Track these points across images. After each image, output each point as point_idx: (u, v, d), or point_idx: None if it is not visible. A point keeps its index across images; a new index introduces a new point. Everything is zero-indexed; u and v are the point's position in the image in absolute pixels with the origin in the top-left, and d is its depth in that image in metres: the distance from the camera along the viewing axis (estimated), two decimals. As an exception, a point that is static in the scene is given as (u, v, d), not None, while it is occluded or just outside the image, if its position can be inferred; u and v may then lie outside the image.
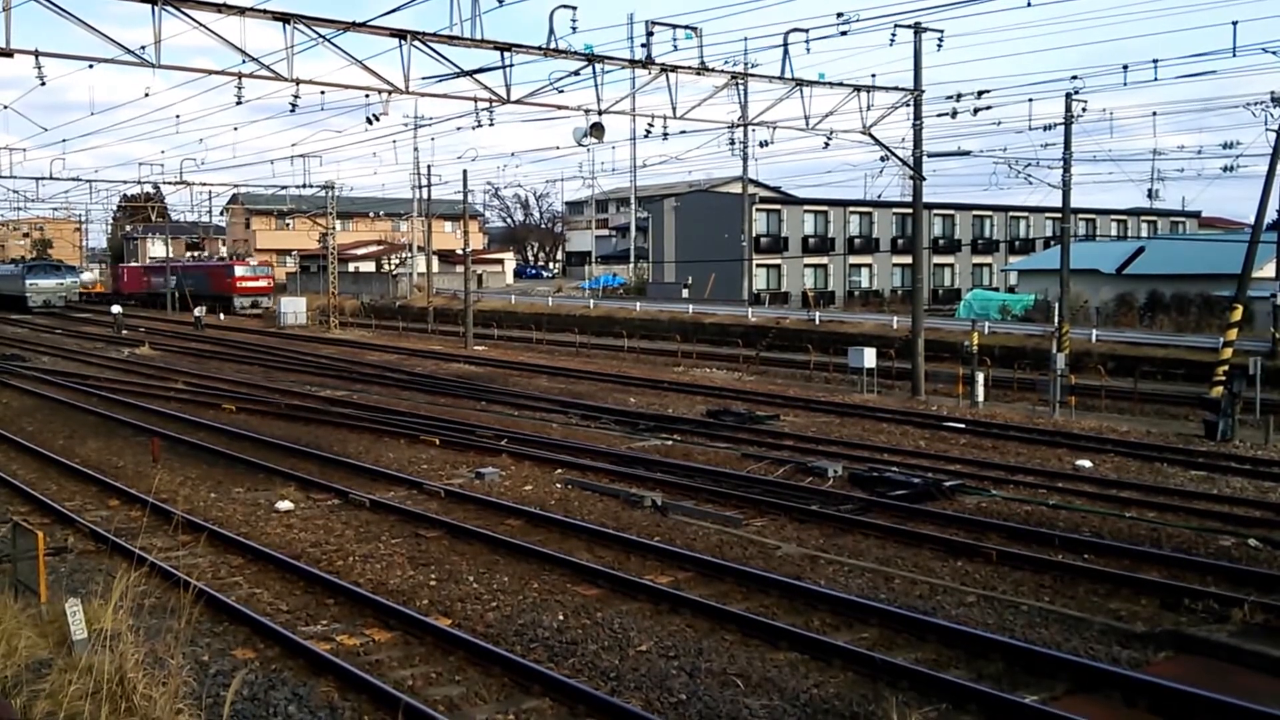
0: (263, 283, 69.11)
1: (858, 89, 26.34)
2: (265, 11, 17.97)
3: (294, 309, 58.08)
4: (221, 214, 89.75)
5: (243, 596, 11.46)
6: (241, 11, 17.52)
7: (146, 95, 42.69)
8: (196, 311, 55.14)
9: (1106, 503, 15.91)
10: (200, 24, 17.65)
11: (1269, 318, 35.44)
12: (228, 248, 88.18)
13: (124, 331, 50.39)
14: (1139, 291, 46.84)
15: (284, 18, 18.21)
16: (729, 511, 15.19)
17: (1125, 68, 30.25)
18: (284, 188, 54.59)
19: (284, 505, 15.58)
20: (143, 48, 18.07)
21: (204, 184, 55.61)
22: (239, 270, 69.19)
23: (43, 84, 18.34)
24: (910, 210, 30.48)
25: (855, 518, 14.77)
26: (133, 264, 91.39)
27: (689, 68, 22.91)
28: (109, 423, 23.53)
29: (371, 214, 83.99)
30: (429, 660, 9.72)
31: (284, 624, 10.49)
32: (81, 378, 31.84)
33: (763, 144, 28.70)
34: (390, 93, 20.12)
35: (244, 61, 18.46)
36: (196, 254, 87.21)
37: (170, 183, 52.34)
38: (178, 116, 54.12)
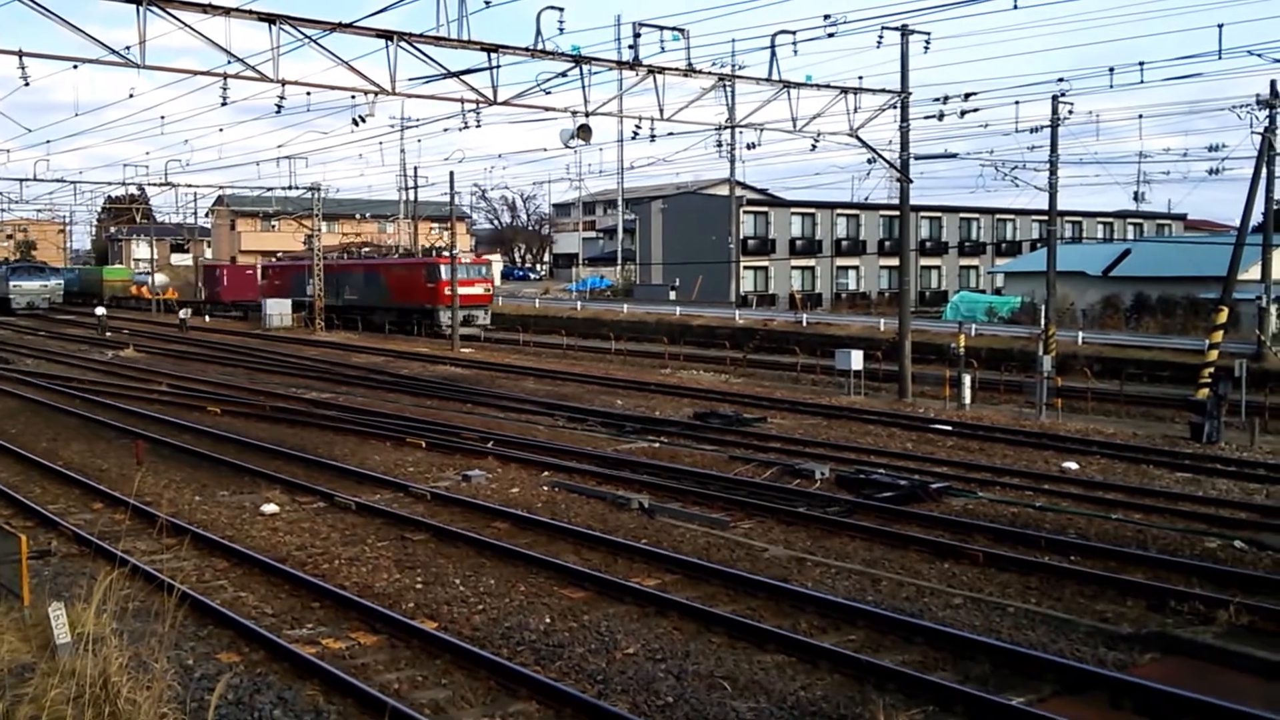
0: (479, 288, 48.99)
1: (845, 91, 26.40)
2: (251, 12, 17.91)
3: (279, 310, 57.77)
4: (207, 216, 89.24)
5: (227, 600, 11.37)
6: (227, 12, 17.46)
7: (131, 96, 42.55)
8: (181, 313, 54.82)
9: (1093, 504, 15.94)
10: (185, 24, 17.59)
11: (1254, 320, 35.64)
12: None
13: (108, 334, 50.14)
14: (1125, 294, 47.03)
15: (270, 18, 18.16)
16: (716, 514, 15.17)
17: (1111, 70, 30.30)
18: (269, 189, 54.39)
19: (269, 508, 15.49)
20: (127, 48, 18.03)
21: (189, 185, 54.86)
22: (445, 271, 46.69)
23: (26, 84, 18.29)
24: (897, 212, 30.54)
25: (842, 520, 14.77)
26: (240, 263, 75.29)
27: (676, 69, 22.93)
28: (92, 425, 23.39)
29: (358, 216, 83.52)
30: (415, 663, 9.66)
31: (269, 627, 10.43)
32: (65, 380, 31.65)
33: (750, 146, 28.60)
34: (377, 94, 20.10)
35: (229, 62, 18.43)
36: (356, 246, 63.81)
37: (155, 184, 52.04)
38: (163, 117, 54.13)
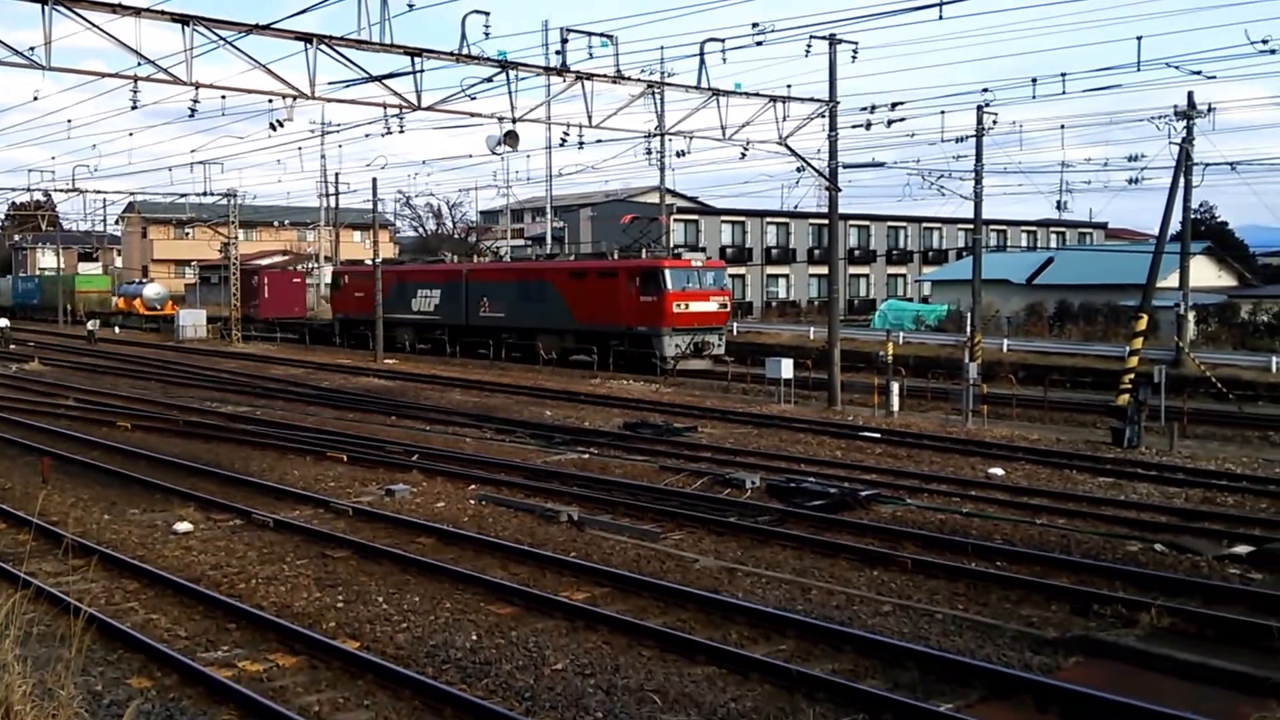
0: (714, 304, 37.33)
1: (773, 99, 26.51)
2: (163, 12, 17.45)
3: (193, 321, 56.35)
4: (117, 223, 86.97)
5: (138, 623, 10.97)
6: (137, 12, 16.98)
7: (35, 99, 41.40)
8: (89, 325, 53.30)
9: (1018, 510, 16.09)
10: (93, 25, 17.08)
11: (1173, 327, 36.49)
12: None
13: (11, 346, 48.66)
14: (1048, 301, 47.96)
15: (183, 19, 17.71)
16: (646, 525, 15.04)
17: (1034, 81, 30.88)
18: (183, 196, 53.36)
19: (183, 526, 15.02)
20: (32, 49, 17.46)
21: (98, 191, 53.22)
22: (671, 279, 36.13)
23: (-76, 87, 17.58)
24: (826, 221, 30.73)
25: (773, 529, 14.72)
26: (285, 269, 63.42)
27: (605, 76, 22.85)
28: (-4, 442, 22.58)
29: (276, 223, 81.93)
30: (336, 685, 9.38)
31: (182, 650, 10.07)
32: (-33, 396, 30.59)
33: (680, 154, 28.73)
34: (295, 98, 19.72)
35: (140, 64, 17.94)
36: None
37: (62, 190, 50.87)
38: (69, 121, 52.94)
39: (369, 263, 46.84)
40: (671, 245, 51.58)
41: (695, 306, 36.30)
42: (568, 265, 41.88)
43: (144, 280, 70.47)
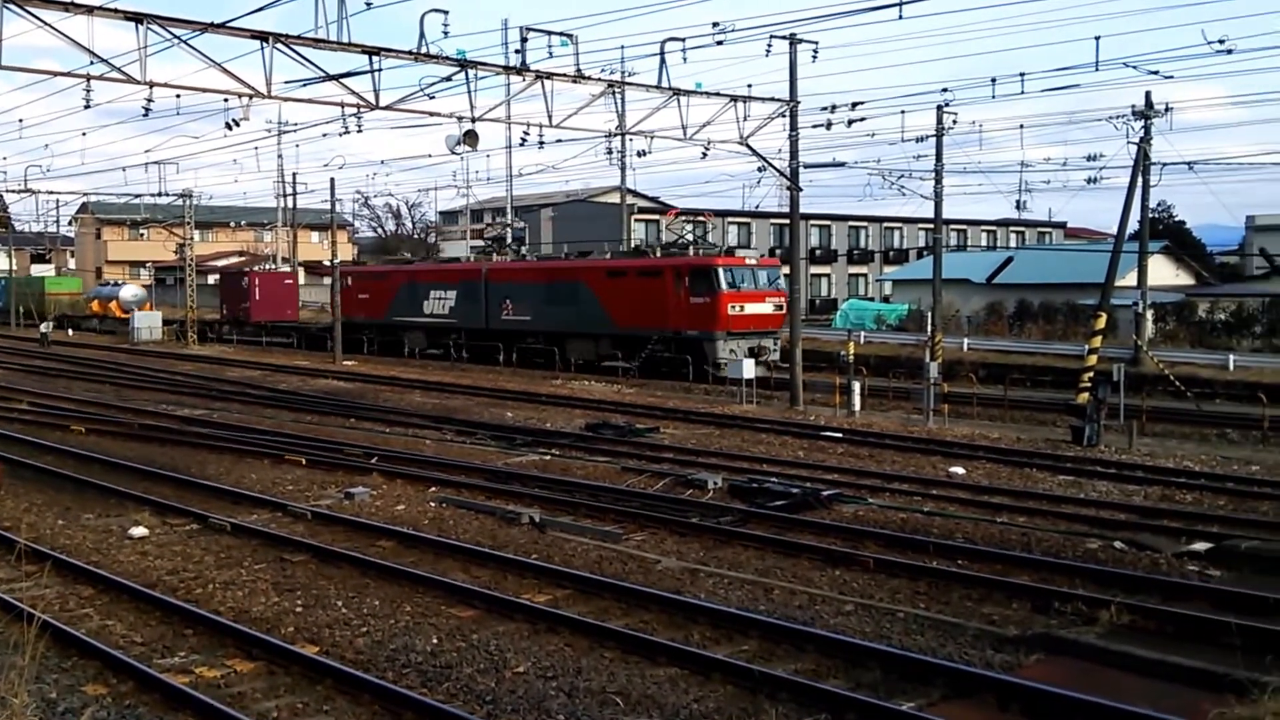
0: (769, 305, 34.42)
1: (734, 99, 26.54)
2: (115, 11, 17.19)
3: (149, 324, 55.45)
4: (70, 224, 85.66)
5: (93, 629, 10.79)
6: (90, 10, 16.72)
7: (-12, 99, 40.69)
8: (43, 327, 52.43)
9: (979, 508, 16.18)
10: (45, 23, 16.80)
11: (1132, 325, 36.92)
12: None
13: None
14: (1008, 301, 48.36)
15: (136, 17, 17.45)
16: (608, 526, 14.98)
17: (994, 81, 31.24)
18: (138, 196, 52.57)
19: (138, 531, 14.79)
20: (-18, 48, 17.09)
21: (51, 192, 52.59)
22: (725, 277, 33.31)
23: None
24: (787, 221, 30.80)
25: (735, 529, 14.71)
26: (275, 270, 59.84)
27: (565, 75, 22.78)
28: (-54, 447, 22.17)
29: (233, 224, 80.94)
30: (295, 690, 9.26)
31: (138, 656, 9.91)
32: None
33: (640, 154, 28.63)
34: (252, 97, 19.52)
35: (92, 63, 17.63)
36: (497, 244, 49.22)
37: (14, 190, 50.00)
38: (20, 121, 52.12)
39: (372, 263, 45.75)
40: (725, 244, 49.10)
41: (751, 308, 33.66)
42: (604, 263, 38.64)
43: (119, 282, 68.48)
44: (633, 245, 47.63)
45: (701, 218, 41.23)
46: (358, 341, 46.58)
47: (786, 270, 32.21)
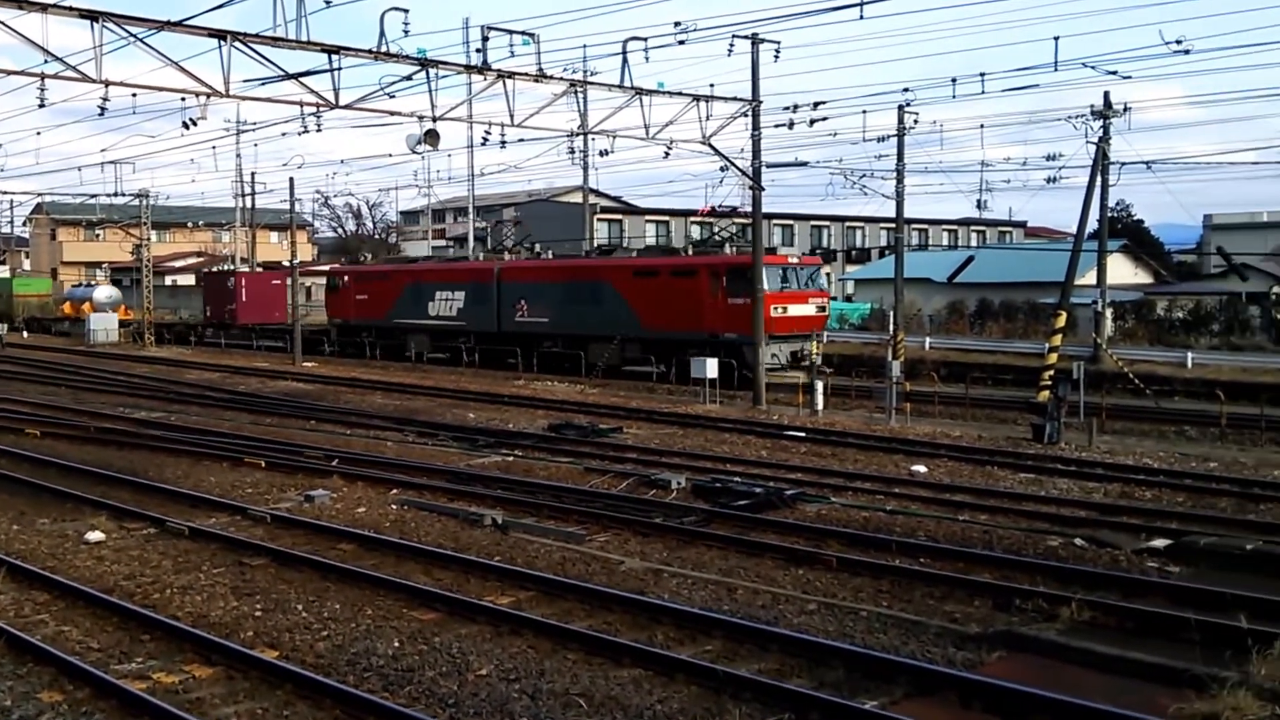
0: (812, 306, 33.01)
1: (697, 99, 26.56)
2: (70, 8, 16.91)
3: (105, 325, 54.67)
4: (24, 225, 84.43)
5: (49, 635, 10.61)
6: (44, 8, 16.46)
7: (-59, 98, 40.05)
8: None
9: (941, 507, 16.27)
10: (-2, 20, 16.50)
11: (1091, 324, 37.30)
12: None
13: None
14: (969, 299, 48.77)
15: (91, 15, 17.19)
16: (571, 527, 14.93)
17: (954, 81, 31.40)
18: (93, 196, 51.82)
19: (94, 536, 14.57)
20: (-67, 45, 16.78)
21: (4, 192, 52.01)
22: (767, 277, 30.27)
23: None
24: (750, 220, 30.79)
25: (698, 529, 14.71)
26: (261, 270, 57.46)
27: (527, 74, 22.71)
28: (-104, 451, 21.75)
29: (190, 224, 79.89)
30: (254, 695, 9.15)
31: (95, 663, 9.77)
32: None
33: (603, 153, 28.52)
34: (209, 96, 19.28)
35: (47, 61, 17.35)
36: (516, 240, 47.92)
37: (-34, 191, 49.08)
38: (-28, 120, 51.12)
39: (373, 261, 44.87)
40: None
41: (794, 309, 31.80)
42: (632, 262, 36.65)
43: (93, 283, 66.72)
44: (659, 244, 45.33)
45: (738, 208, 38.22)
46: (358, 345, 45.37)
47: (827, 269, 31.36)
